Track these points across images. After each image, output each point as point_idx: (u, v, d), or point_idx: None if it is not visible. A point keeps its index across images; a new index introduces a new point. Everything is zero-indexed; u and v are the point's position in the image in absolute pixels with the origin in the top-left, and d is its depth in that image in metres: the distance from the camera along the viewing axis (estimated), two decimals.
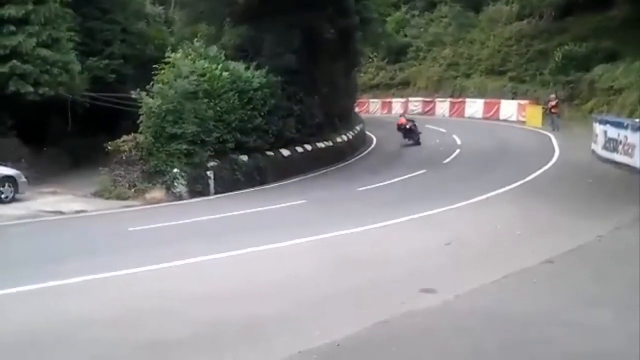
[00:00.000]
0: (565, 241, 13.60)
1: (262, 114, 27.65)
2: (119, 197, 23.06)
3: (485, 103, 49.57)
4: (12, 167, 23.07)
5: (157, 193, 23.37)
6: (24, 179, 22.75)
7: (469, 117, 49.87)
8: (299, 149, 30.72)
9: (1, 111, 26.18)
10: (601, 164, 25.73)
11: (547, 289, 10.53)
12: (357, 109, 49.05)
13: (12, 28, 25.77)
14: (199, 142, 24.54)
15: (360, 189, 23.78)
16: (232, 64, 27.15)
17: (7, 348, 8.49)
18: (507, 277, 11.07)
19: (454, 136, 37.69)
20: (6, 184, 22.28)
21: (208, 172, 24.82)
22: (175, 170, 23.83)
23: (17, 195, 22.44)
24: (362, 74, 57.28)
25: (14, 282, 11.16)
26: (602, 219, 15.85)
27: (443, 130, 41.34)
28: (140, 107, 24.35)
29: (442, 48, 58.00)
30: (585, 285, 10.68)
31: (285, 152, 29.58)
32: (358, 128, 40.45)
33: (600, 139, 26.94)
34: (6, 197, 22.12)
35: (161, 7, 41.49)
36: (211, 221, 18.88)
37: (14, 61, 25.49)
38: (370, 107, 59.86)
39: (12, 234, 17.97)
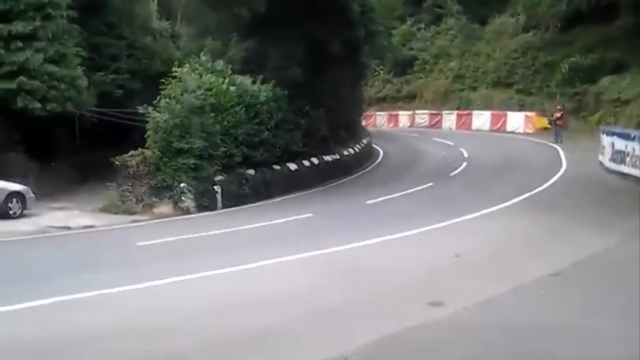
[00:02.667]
0: (573, 253, 13.61)
1: (269, 127, 27.71)
2: (127, 212, 23.09)
3: (492, 115, 49.64)
4: (20, 182, 23.12)
5: (165, 208, 23.41)
6: (31, 195, 22.79)
7: (476, 130, 49.86)
8: (306, 163, 30.72)
9: (9, 127, 26.23)
10: (608, 175, 25.70)
11: (555, 301, 10.53)
12: (363, 122, 49.08)
13: (20, 44, 25.80)
14: (206, 156, 24.57)
15: (368, 202, 23.76)
16: (238, 78, 27.23)
17: None
18: (515, 289, 11.09)
19: (461, 149, 37.64)
20: (14, 200, 22.30)
21: (215, 187, 24.84)
22: (182, 184, 23.85)
23: (25, 211, 22.46)
24: (368, 87, 57.26)
25: (24, 296, 11.17)
26: (609, 230, 15.85)
27: (450, 143, 41.32)
28: (147, 121, 24.41)
29: (449, 61, 57.97)
30: (593, 297, 10.67)
31: (292, 166, 29.57)
32: (365, 141, 40.43)
33: (608, 151, 26.90)
34: (14, 213, 22.14)
35: (167, 22, 41.64)
36: (219, 235, 18.89)
37: (22, 77, 25.52)
38: (376, 120, 59.81)
39: (21, 250, 18.00)
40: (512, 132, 45.85)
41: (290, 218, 21.01)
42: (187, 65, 26.25)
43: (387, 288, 11.61)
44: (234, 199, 25.21)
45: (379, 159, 39.68)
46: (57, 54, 26.85)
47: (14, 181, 22.98)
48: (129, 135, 28.20)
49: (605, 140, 27.62)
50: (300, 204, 25.22)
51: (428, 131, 51.62)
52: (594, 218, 18.05)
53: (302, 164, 30.36)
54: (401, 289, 11.57)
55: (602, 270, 12.56)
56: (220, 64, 27.58)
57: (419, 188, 26.26)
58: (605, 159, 27.20)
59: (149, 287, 12.21)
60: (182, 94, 24.58)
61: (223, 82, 26.03)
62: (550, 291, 11.10)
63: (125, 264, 14.81)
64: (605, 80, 39.48)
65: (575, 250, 13.95)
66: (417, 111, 57.53)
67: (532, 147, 37.75)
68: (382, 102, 61.85)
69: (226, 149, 25.53)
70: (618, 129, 28.31)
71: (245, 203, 25.39)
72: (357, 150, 37.44)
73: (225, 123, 25.60)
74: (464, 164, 32.88)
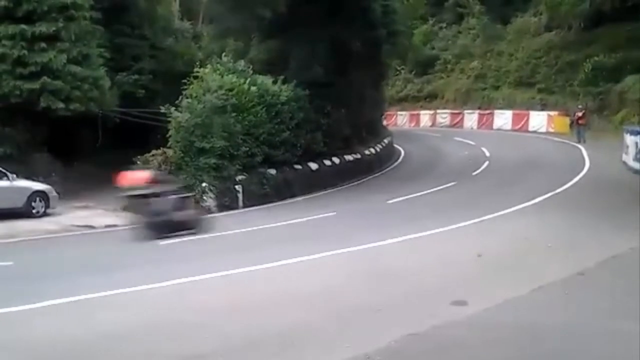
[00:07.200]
0: (597, 253, 13.46)
1: (290, 127, 27.73)
2: None
3: (514, 115, 49.39)
4: (43, 181, 23.32)
5: None
6: (55, 194, 22.99)
7: (498, 129, 49.68)
8: (327, 162, 30.73)
9: (32, 127, 26.48)
10: (633, 175, 25.46)
11: (579, 301, 10.42)
12: (385, 122, 49.03)
13: (43, 45, 26.05)
14: (227, 156, 24.65)
15: (390, 201, 23.72)
16: (260, 78, 27.28)
17: None
18: (538, 289, 10.97)
19: (483, 148, 37.50)
20: (37, 199, 22.53)
21: (237, 186, 24.91)
22: (204, 184, 23.94)
23: (48, 210, 22.69)
24: (389, 87, 57.26)
25: (46, 295, 11.21)
26: (633, 230, 15.65)
27: (472, 142, 41.16)
28: (169, 121, 24.51)
29: (470, 60, 57.78)
30: (618, 297, 10.54)
31: (314, 166, 29.61)
32: (386, 141, 40.36)
33: (632, 151, 26.67)
34: (37, 212, 22.37)
35: (189, 23, 41.81)
36: (241, 234, 18.92)
37: (45, 77, 25.75)
38: (398, 120, 59.78)
39: (44, 249, 18.13)
40: (534, 132, 45.60)
41: (313, 217, 21.02)
42: (208, 65, 26.33)
43: (409, 287, 11.55)
44: (255, 199, 25.28)
45: (401, 159, 39.64)
46: (80, 55, 27.06)
47: (37, 180, 23.20)
48: (151, 135, 28.34)
49: (629, 139, 27.39)
50: (321, 203, 25.22)
51: (449, 131, 51.46)
52: (618, 218, 17.84)
53: (324, 163, 30.38)
54: (424, 288, 11.50)
55: (627, 270, 12.41)
56: (241, 64, 27.63)
57: (442, 187, 26.19)
58: (629, 158, 26.97)
59: (171, 286, 12.19)
60: (203, 94, 24.71)
61: (244, 82, 26.07)
62: (574, 291, 11.00)
63: (147, 263, 14.87)
64: (629, 80, 39.16)
65: (599, 250, 13.80)
66: (438, 111, 57.46)
67: (555, 146, 37.52)
68: (404, 101, 61.85)
69: (247, 148, 25.61)
70: None
71: (266, 202, 25.45)
72: (379, 149, 37.40)
73: (247, 123, 25.67)
74: (486, 163, 32.75)
